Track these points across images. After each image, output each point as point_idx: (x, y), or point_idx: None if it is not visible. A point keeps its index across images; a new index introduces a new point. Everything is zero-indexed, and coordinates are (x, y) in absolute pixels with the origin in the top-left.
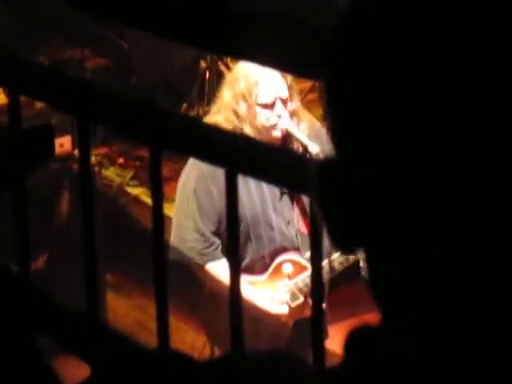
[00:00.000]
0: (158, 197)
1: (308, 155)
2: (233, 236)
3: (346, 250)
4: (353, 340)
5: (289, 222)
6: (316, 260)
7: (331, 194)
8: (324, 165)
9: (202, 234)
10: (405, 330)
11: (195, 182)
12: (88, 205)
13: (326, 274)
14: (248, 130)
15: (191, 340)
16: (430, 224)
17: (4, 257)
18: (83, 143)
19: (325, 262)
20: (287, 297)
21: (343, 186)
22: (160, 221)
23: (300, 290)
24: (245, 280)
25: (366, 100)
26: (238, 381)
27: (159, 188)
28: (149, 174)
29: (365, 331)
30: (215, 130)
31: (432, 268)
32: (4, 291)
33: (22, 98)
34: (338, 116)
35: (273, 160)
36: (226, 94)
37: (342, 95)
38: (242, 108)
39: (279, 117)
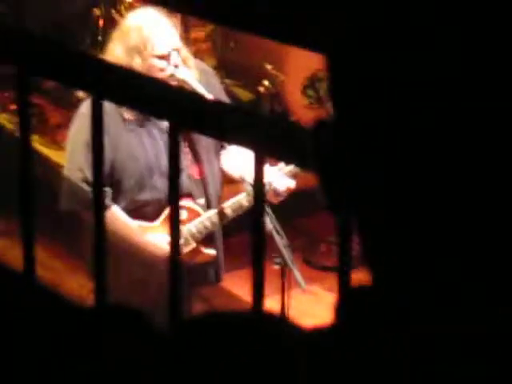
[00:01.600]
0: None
1: None
2: (173, 186)
3: (336, 209)
4: (346, 301)
5: (181, 169)
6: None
7: (324, 155)
8: (319, 127)
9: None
10: (396, 290)
11: (87, 134)
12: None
13: (217, 222)
14: None
15: (78, 287)
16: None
17: None
18: (23, 97)
19: (214, 211)
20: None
21: (334, 145)
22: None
23: (192, 236)
24: (137, 225)
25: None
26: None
27: (99, 141)
28: (91, 122)
29: (356, 293)
30: (157, 83)
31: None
32: None
33: None
34: (336, 84)
35: (209, 110)
36: (116, 49)
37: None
38: (137, 61)
39: (176, 67)
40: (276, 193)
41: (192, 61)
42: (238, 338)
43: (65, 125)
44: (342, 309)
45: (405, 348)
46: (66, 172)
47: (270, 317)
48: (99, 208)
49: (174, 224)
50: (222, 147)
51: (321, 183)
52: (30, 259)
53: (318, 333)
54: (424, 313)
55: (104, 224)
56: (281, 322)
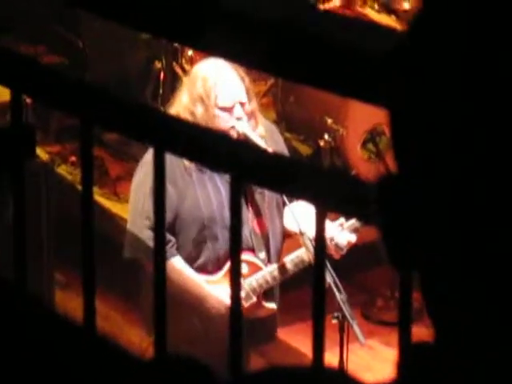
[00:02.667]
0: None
1: None
2: (235, 239)
3: (398, 263)
4: (408, 357)
5: (244, 223)
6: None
7: (388, 210)
8: (385, 182)
9: None
10: (459, 347)
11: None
12: (87, 213)
13: (278, 276)
14: None
15: (137, 340)
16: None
17: None
18: (86, 147)
19: (276, 266)
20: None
21: (404, 203)
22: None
23: (253, 290)
24: (199, 278)
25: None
26: None
27: (161, 191)
28: (153, 171)
29: (418, 349)
30: (218, 136)
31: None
32: None
33: None
34: (402, 140)
35: (270, 165)
36: (183, 96)
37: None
38: (200, 110)
39: (238, 119)
40: (338, 247)
41: (260, 115)
42: None
43: (125, 177)
44: (404, 364)
45: None
46: (130, 221)
47: (330, 372)
48: (161, 259)
49: (235, 277)
50: (285, 204)
51: (384, 237)
52: (90, 311)
53: None
54: (487, 371)
55: (165, 275)
56: (341, 377)
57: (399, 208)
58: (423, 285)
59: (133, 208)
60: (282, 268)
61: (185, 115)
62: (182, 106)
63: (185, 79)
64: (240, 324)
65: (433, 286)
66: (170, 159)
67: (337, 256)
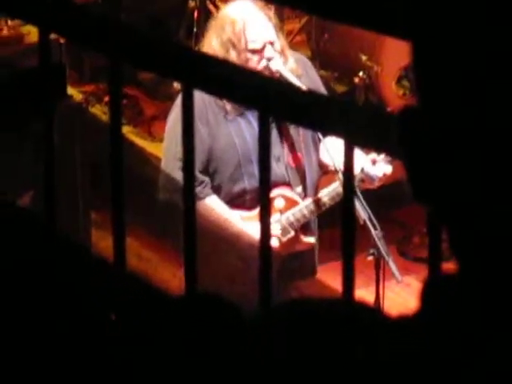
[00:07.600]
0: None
1: None
2: (265, 183)
3: (422, 199)
4: (430, 288)
5: (279, 159)
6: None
7: (414, 142)
8: (407, 114)
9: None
10: (481, 280)
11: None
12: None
13: (315, 210)
14: None
15: (170, 277)
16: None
17: None
18: (114, 83)
19: (311, 199)
20: (278, 231)
21: (425, 133)
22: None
23: (291, 225)
24: (236, 215)
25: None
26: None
27: (190, 129)
28: (181, 110)
29: (441, 280)
30: (245, 71)
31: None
32: None
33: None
34: (425, 74)
35: (306, 102)
36: (213, 41)
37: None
38: (233, 54)
39: (269, 60)
40: (369, 178)
41: (289, 50)
42: (319, 324)
43: (160, 116)
44: (426, 296)
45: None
46: (163, 163)
47: (357, 305)
48: (190, 197)
49: (264, 211)
50: (320, 139)
51: (407, 172)
52: (120, 248)
53: (403, 319)
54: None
55: (194, 214)
56: (367, 309)
57: (419, 141)
58: (448, 220)
59: (166, 150)
60: (319, 201)
61: None
62: (213, 51)
63: (211, 24)
64: (269, 259)
65: (454, 218)
66: (202, 99)
67: (372, 187)
